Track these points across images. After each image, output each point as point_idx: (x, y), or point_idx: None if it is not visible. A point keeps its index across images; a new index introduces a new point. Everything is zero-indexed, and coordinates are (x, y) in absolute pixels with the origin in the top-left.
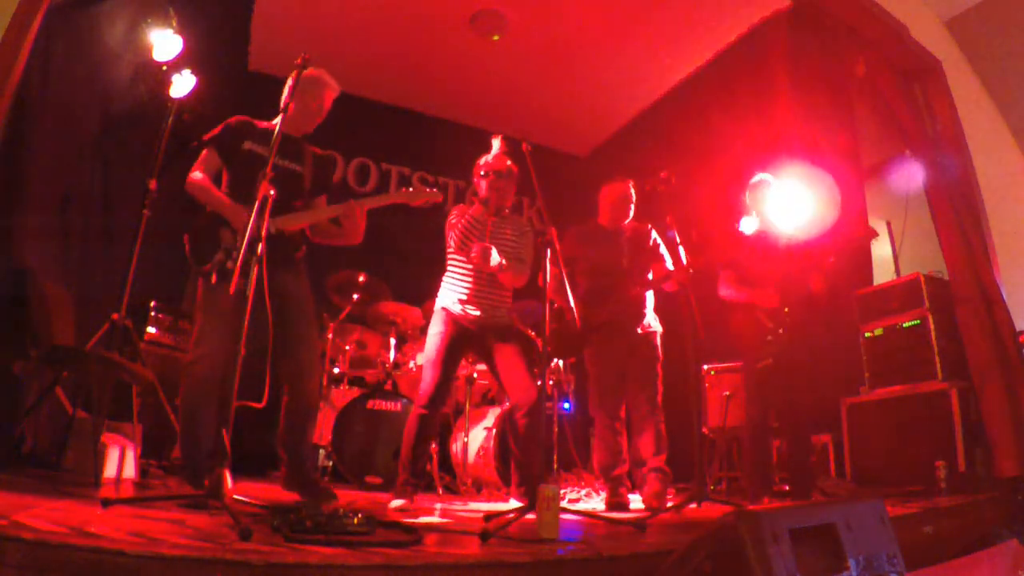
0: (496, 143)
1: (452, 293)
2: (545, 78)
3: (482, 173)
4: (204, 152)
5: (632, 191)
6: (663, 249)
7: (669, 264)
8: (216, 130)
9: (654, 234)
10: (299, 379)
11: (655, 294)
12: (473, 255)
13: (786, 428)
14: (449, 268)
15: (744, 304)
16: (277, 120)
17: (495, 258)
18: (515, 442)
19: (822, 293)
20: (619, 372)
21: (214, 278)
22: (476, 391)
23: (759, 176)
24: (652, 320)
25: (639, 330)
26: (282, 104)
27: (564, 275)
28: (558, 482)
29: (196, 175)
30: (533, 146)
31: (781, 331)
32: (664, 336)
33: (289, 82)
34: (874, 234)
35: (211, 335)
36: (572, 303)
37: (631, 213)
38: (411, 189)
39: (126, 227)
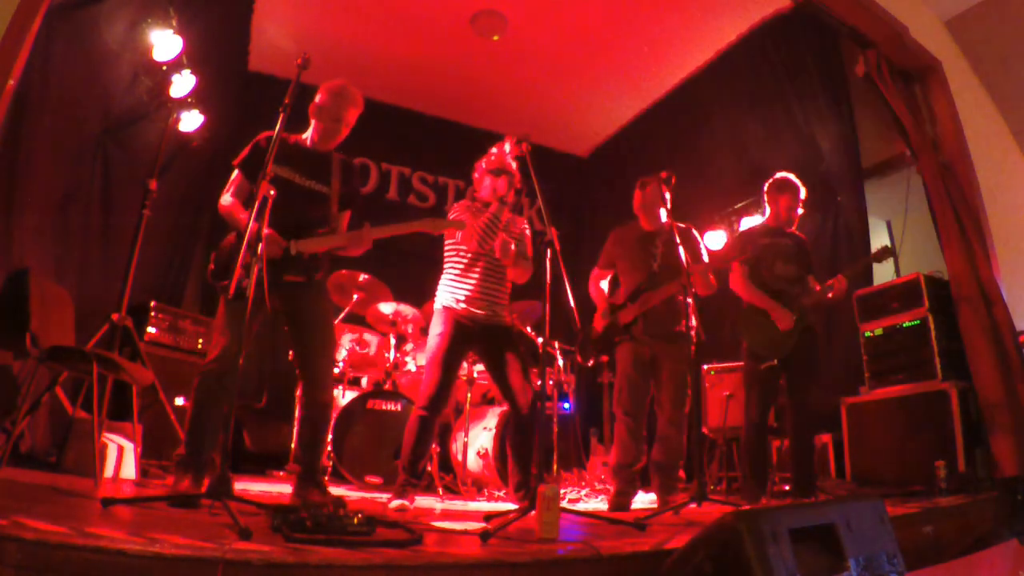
0: (507, 144)
1: (453, 292)
2: (545, 78)
3: (494, 170)
4: (235, 175)
5: (660, 190)
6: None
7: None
8: (245, 151)
9: (694, 233)
10: (314, 388)
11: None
12: (494, 247)
13: (792, 429)
14: (449, 267)
15: (756, 305)
16: (306, 134)
17: (511, 250)
18: (515, 442)
19: (836, 302)
20: (644, 372)
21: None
22: (476, 391)
23: (781, 174)
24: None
25: (672, 333)
26: (285, 104)
27: (565, 276)
28: (558, 482)
29: (226, 199)
30: (533, 146)
31: (791, 338)
32: None
33: (316, 98)
34: (890, 254)
35: (228, 340)
36: (571, 304)
37: (662, 213)
38: (433, 219)
39: (126, 227)
